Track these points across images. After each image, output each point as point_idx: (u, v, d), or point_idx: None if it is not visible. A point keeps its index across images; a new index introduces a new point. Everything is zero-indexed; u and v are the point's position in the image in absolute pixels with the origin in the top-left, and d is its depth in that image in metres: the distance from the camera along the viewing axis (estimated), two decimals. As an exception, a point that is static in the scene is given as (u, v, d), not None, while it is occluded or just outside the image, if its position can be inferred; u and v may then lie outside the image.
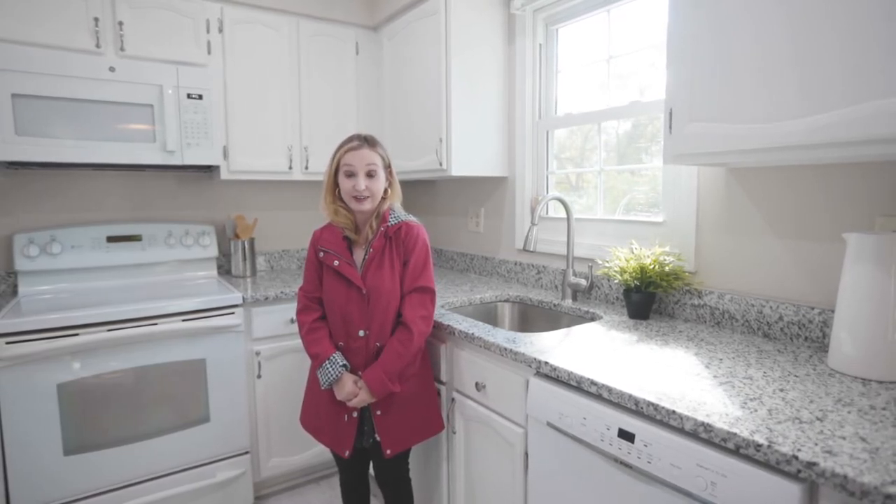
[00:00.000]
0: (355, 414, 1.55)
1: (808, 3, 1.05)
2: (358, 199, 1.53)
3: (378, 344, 1.54)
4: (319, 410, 1.62)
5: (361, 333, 1.53)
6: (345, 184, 1.54)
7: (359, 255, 1.59)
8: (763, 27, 1.13)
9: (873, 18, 0.96)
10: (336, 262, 1.55)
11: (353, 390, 1.50)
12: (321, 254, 1.59)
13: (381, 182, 1.56)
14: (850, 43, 0.99)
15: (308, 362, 1.66)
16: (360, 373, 1.54)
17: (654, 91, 1.87)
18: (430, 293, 1.58)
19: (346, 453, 1.56)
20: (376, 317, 1.53)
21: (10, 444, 1.72)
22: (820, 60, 1.04)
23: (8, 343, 1.69)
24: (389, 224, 1.57)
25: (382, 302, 1.53)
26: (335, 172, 1.57)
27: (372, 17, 2.70)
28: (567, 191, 2.30)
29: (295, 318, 1.67)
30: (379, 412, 1.55)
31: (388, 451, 1.55)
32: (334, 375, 1.50)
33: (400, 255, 1.57)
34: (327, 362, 1.52)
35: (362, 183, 1.52)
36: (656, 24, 1.83)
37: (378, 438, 1.55)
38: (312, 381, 1.65)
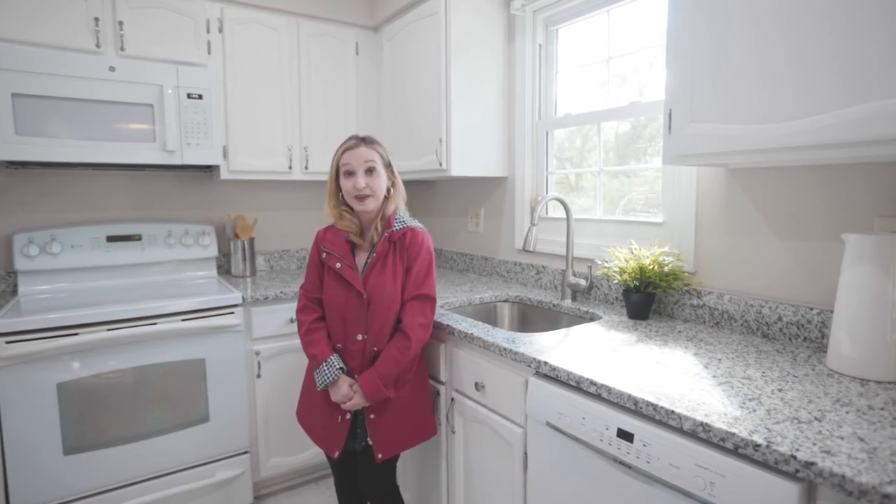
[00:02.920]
0: (349, 416, 1.55)
1: (808, 3, 1.05)
2: (359, 197, 1.53)
3: (375, 349, 1.53)
4: (314, 409, 1.62)
5: (360, 337, 1.53)
6: (345, 184, 1.54)
7: (361, 258, 1.59)
8: (762, 28, 1.13)
9: (873, 19, 0.96)
10: (338, 265, 1.55)
11: (348, 393, 1.50)
12: (324, 254, 1.59)
13: (382, 179, 1.55)
14: (850, 43, 0.99)
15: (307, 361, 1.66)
16: (355, 376, 1.53)
17: (653, 91, 1.88)
18: (430, 301, 1.57)
19: (336, 454, 1.56)
20: (376, 322, 1.52)
21: (10, 443, 1.72)
22: (819, 61, 1.04)
23: (8, 342, 1.69)
24: (395, 229, 1.55)
25: (383, 307, 1.52)
26: (336, 175, 1.57)
27: (372, 17, 2.71)
28: (566, 191, 2.30)
29: (295, 316, 1.66)
30: (372, 416, 1.54)
31: (380, 455, 1.54)
32: (330, 378, 1.50)
33: (403, 261, 1.56)
34: (324, 364, 1.52)
35: (362, 180, 1.51)
36: (656, 25, 1.83)
37: (370, 442, 1.55)
38: (309, 378, 1.65)
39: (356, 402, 1.50)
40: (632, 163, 2.00)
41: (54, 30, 1.98)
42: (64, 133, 1.95)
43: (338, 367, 1.52)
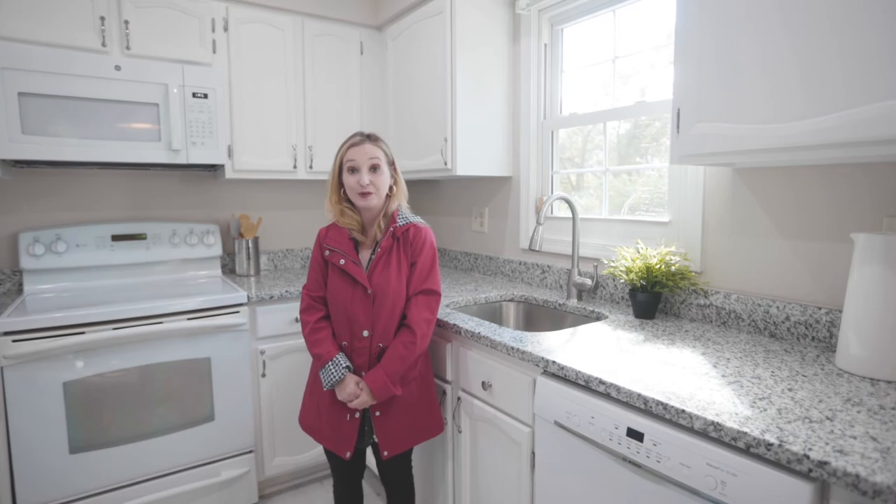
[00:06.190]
0: (357, 415, 1.55)
1: (810, 4, 1.05)
2: (363, 194, 1.52)
3: (381, 345, 1.53)
4: (320, 410, 1.61)
5: (365, 334, 1.53)
6: (349, 180, 1.53)
7: (365, 255, 1.59)
8: (766, 28, 1.13)
9: (876, 21, 0.96)
10: (342, 262, 1.55)
11: (354, 391, 1.49)
12: (327, 252, 1.58)
13: (385, 177, 1.56)
14: (853, 44, 0.99)
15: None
16: (362, 373, 1.53)
17: (655, 91, 1.87)
18: (436, 296, 1.58)
19: (347, 454, 1.55)
20: (381, 318, 1.52)
21: (17, 441, 1.72)
22: (824, 61, 1.03)
23: (14, 341, 1.69)
24: (398, 225, 1.56)
25: (388, 303, 1.52)
26: (339, 171, 1.57)
27: (376, 16, 2.71)
28: (567, 191, 2.30)
29: (298, 316, 1.65)
30: (378, 413, 1.54)
31: (386, 453, 1.55)
32: (337, 377, 1.50)
33: (408, 257, 1.57)
34: (330, 363, 1.51)
35: (366, 177, 1.51)
36: (663, 25, 1.83)
37: (376, 440, 1.55)
38: (313, 380, 1.64)
39: (363, 400, 1.49)
40: (636, 160, 1.99)
41: (61, 29, 1.98)
42: (70, 132, 1.95)
43: (344, 365, 1.51)
